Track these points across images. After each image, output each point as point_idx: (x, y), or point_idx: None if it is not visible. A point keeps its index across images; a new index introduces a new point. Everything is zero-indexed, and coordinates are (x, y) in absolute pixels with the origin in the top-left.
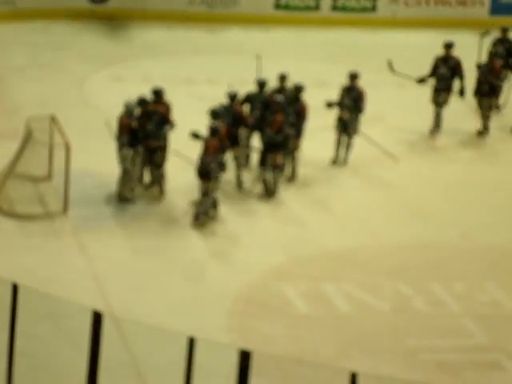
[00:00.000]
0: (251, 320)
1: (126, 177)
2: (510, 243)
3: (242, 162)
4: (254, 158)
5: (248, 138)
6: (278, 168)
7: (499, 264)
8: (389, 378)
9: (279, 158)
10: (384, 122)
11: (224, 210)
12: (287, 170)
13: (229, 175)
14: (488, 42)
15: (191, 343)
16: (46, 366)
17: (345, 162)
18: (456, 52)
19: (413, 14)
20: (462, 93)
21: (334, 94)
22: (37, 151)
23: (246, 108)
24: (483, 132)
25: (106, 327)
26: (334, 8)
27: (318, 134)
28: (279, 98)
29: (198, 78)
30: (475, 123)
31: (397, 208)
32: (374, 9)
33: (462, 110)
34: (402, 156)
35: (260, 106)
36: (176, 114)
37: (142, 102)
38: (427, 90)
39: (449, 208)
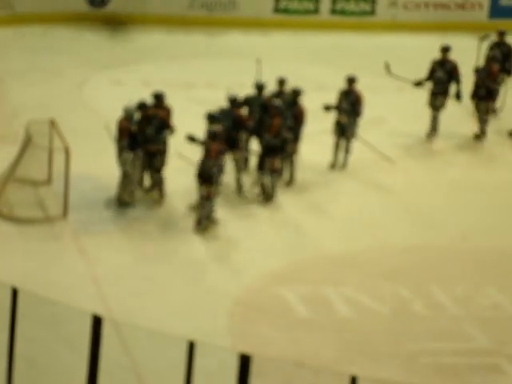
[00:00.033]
0: (251, 324)
1: (125, 180)
2: (510, 246)
3: (242, 166)
4: (253, 161)
5: (247, 141)
6: (275, 172)
7: (499, 267)
8: (388, 382)
9: (277, 162)
10: (382, 125)
11: (223, 213)
12: (285, 174)
13: (228, 179)
14: (487, 45)
15: (191, 347)
16: (45, 369)
17: (344, 166)
18: (455, 55)
19: (412, 17)
20: (458, 96)
21: (334, 98)
22: (36, 155)
23: (244, 111)
24: (480, 135)
25: (106, 331)
26: (333, 12)
27: (316, 137)
28: (277, 102)
29: (198, 81)
30: (472, 127)
31: (396, 211)
32: (373, 12)
33: (458, 113)
34: (400, 159)
35: (258, 109)
36: (175, 118)
37: (141, 106)
38: (424, 94)
39: (448, 211)
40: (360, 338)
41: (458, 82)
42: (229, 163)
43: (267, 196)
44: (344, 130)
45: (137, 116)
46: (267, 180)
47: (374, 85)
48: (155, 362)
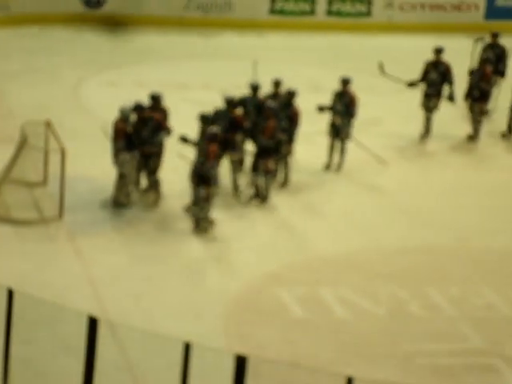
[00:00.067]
0: (247, 325)
1: (121, 182)
2: (506, 247)
3: (238, 167)
4: (249, 162)
5: (243, 142)
6: (269, 173)
7: (495, 268)
8: (385, 382)
9: (271, 164)
10: (376, 126)
11: (218, 214)
12: (280, 176)
13: (223, 179)
14: (481, 47)
15: (187, 348)
16: (41, 371)
17: (339, 167)
18: (451, 56)
19: (408, 18)
20: (451, 98)
21: (329, 99)
22: (32, 156)
23: (239, 111)
24: (473, 136)
25: (102, 332)
26: (329, 13)
27: (311, 139)
28: (271, 103)
29: (193, 82)
30: (465, 128)
31: (391, 213)
32: (369, 13)
33: (451, 115)
34: (393, 161)
35: (253, 110)
36: (171, 119)
37: (138, 107)
38: (418, 95)
39: (443, 212)
40: (356, 339)
41: (451, 83)
42: (225, 164)
43: (261, 197)
44: (338, 132)
45: (133, 118)
46: (261, 181)
47: (371, 86)
48: (151, 364)
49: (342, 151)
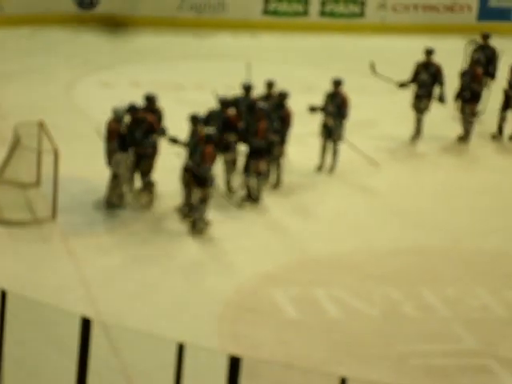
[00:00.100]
0: (241, 325)
1: (114, 182)
2: (497, 248)
3: (232, 167)
4: (241, 163)
5: (236, 142)
6: (261, 175)
7: (488, 268)
8: (378, 383)
9: (262, 165)
10: (368, 128)
11: (212, 215)
12: (272, 177)
13: (216, 180)
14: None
15: (181, 349)
16: (34, 371)
17: (332, 169)
18: (444, 57)
19: (401, 19)
20: (441, 99)
21: (322, 100)
22: (25, 157)
23: (232, 111)
24: (464, 137)
25: (95, 333)
26: (323, 14)
27: (303, 140)
28: (262, 104)
29: (187, 83)
30: (456, 129)
31: (383, 214)
32: (362, 14)
33: (442, 116)
34: (385, 162)
35: (246, 110)
36: (165, 120)
37: (131, 108)
38: (410, 96)
39: (434, 213)
40: (350, 340)
41: (441, 84)
42: (218, 165)
43: (253, 198)
44: (331, 133)
45: (127, 119)
46: (253, 182)
47: (363, 87)
48: (144, 364)
49: (335, 153)
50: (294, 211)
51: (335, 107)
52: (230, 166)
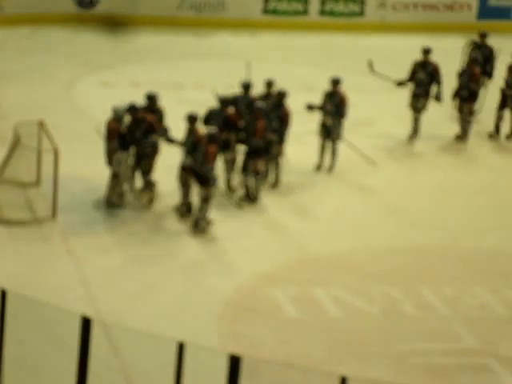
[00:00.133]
0: (241, 325)
1: (114, 181)
2: (495, 247)
3: (232, 167)
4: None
5: (236, 141)
6: (259, 174)
7: (487, 267)
8: (378, 382)
9: (260, 164)
10: (366, 127)
11: (211, 215)
12: (271, 177)
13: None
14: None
15: (181, 348)
16: (34, 371)
17: (331, 168)
18: (444, 56)
19: (401, 18)
20: (438, 98)
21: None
22: (25, 157)
23: (231, 110)
24: (462, 136)
25: (95, 332)
26: (322, 13)
27: (301, 139)
28: (260, 103)
29: (187, 82)
30: (454, 128)
31: (382, 213)
32: (362, 13)
33: (440, 115)
34: (382, 162)
35: (245, 108)
36: (165, 119)
37: (131, 108)
38: (408, 95)
39: (432, 212)
40: (349, 338)
41: (438, 83)
42: (218, 164)
43: (252, 198)
44: (329, 132)
45: (127, 118)
46: (251, 182)
47: (363, 86)
48: (145, 364)
49: (334, 152)
50: (293, 210)
51: (334, 106)
52: (230, 165)
